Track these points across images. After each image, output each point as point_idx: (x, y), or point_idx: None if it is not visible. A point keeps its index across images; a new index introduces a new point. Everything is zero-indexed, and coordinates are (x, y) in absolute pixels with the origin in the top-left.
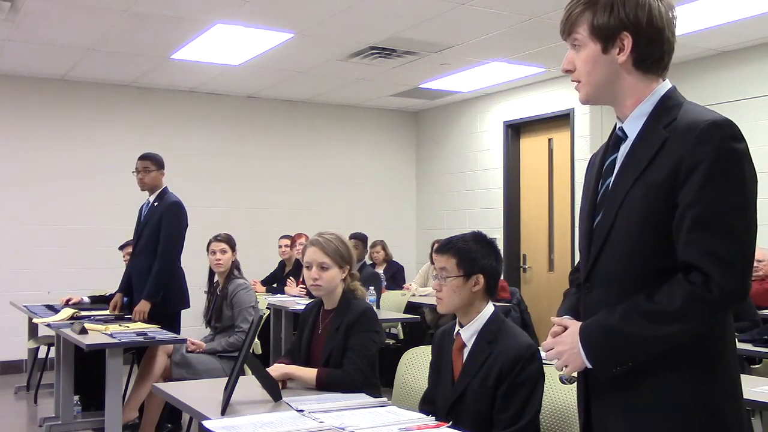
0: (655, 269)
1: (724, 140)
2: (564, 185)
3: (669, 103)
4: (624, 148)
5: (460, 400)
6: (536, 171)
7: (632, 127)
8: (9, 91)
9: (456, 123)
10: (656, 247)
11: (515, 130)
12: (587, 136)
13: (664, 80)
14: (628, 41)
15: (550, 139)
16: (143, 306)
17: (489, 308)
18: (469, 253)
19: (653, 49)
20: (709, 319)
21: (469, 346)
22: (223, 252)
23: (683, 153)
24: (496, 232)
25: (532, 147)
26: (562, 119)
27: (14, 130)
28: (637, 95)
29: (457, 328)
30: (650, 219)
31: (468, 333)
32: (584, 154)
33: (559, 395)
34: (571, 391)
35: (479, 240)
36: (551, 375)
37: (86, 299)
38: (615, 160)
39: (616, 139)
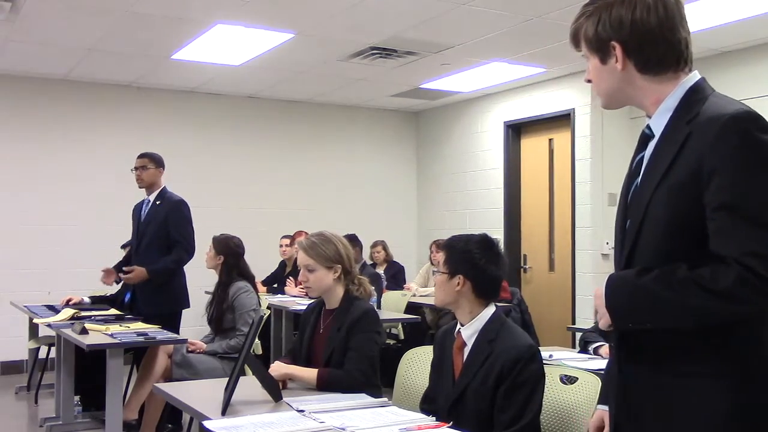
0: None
1: (748, 133)
2: (565, 185)
3: (695, 97)
4: (651, 146)
5: (461, 399)
6: (537, 171)
7: (658, 124)
8: (10, 91)
9: (457, 123)
10: (688, 250)
11: (516, 130)
12: (588, 136)
13: (688, 74)
14: (618, 50)
15: (550, 140)
16: (141, 273)
17: (489, 309)
18: (457, 254)
19: (649, 51)
20: (759, 305)
21: (470, 345)
22: (208, 251)
23: (705, 149)
24: (496, 232)
25: (532, 147)
26: (563, 119)
27: (15, 131)
28: (655, 95)
29: (458, 327)
30: (677, 222)
31: (468, 332)
32: (585, 154)
33: (560, 396)
34: (571, 392)
35: (482, 244)
36: (552, 375)
37: (87, 299)
38: (642, 158)
39: (644, 136)
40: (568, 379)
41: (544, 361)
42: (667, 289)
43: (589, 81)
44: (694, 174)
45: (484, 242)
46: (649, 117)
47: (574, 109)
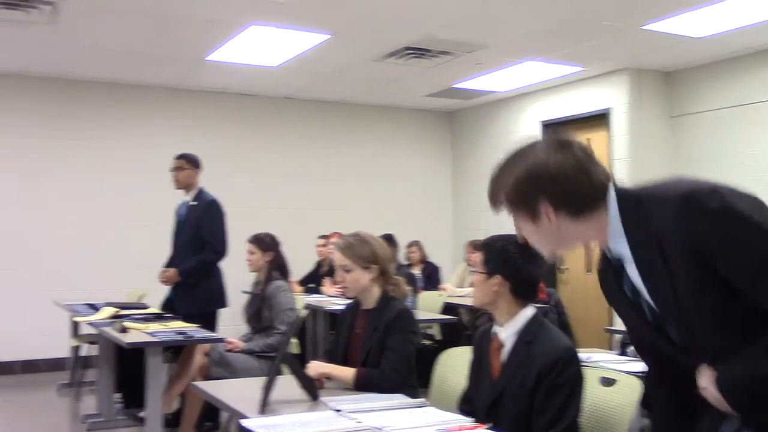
0: (749, 329)
1: (704, 208)
2: None
3: (630, 206)
4: (631, 269)
5: (499, 400)
6: None
7: (619, 248)
8: (49, 93)
9: (492, 123)
10: (743, 318)
11: (552, 130)
12: (626, 136)
13: (606, 197)
14: (546, 206)
15: (587, 139)
16: (174, 275)
17: (528, 310)
18: (495, 254)
19: (577, 197)
20: None
21: (508, 346)
22: (251, 253)
23: (689, 238)
24: None
25: None
26: (600, 119)
27: (55, 133)
28: (596, 229)
29: (495, 328)
30: (719, 308)
31: (505, 333)
32: (622, 153)
33: (599, 398)
34: (611, 394)
35: (519, 244)
36: (591, 378)
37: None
38: (630, 283)
39: (614, 264)
40: (608, 382)
41: (582, 363)
42: None
43: (524, 240)
44: (694, 262)
45: (524, 242)
46: (607, 248)
47: (611, 108)
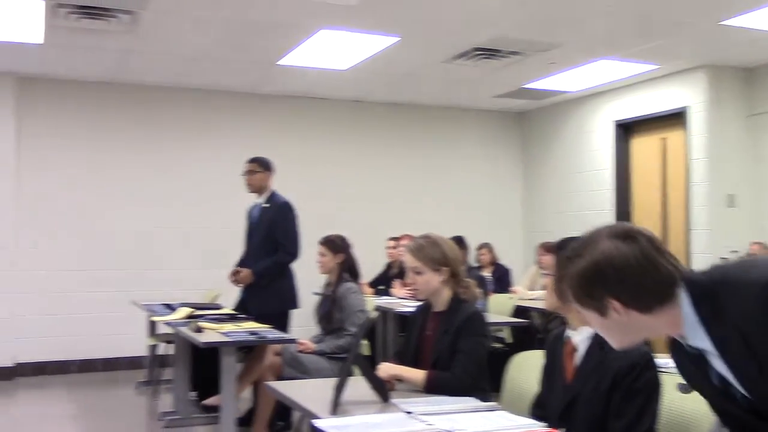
0: None
1: None
2: (678, 186)
3: (707, 299)
4: (716, 362)
5: (573, 405)
6: (649, 172)
7: (698, 339)
8: (129, 99)
9: (564, 123)
10: None
11: (626, 130)
12: (704, 135)
13: (674, 297)
14: (615, 304)
15: (663, 139)
16: (247, 275)
17: None
18: None
19: (646, 294)
20: None
21: (581, 350)
22: (322, 255)
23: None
24: None
25: (644, 147)
26: (676, 118)
27: (134, 137)
28: (669, 322)
29: (568, 331)
30: None
31: (579, 337)
32: (700, 153)
33: (677, 405)
34: (689, 401)
35: None
36: (668, 383)
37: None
38: (721, 376)
39: (693, 355)
40: (685, 389)
41: (659, 369)
42: None
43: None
44: None
45: None
46: (682, 338)
47: (688, 106)
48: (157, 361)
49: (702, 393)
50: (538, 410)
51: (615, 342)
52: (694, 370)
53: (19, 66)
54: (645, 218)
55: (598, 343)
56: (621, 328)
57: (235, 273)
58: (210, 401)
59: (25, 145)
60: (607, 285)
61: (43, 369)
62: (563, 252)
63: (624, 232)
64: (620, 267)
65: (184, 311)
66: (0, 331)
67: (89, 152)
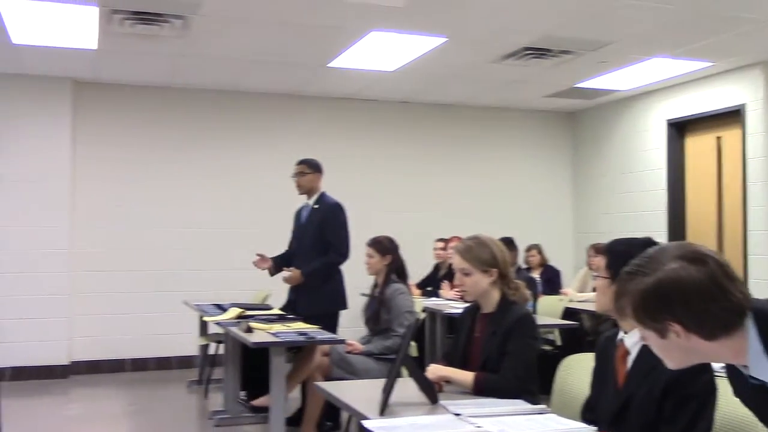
0: None
1: None
2: (734, 186)
3: None
4: None
5: (624, 409)
6: (703, 171)
7: (764, 374)
8: (181, 103)
9: (616, 123)
10: None
11: (680, 129)
12: (761, 133)
13: (740, 327)
14: (677, 328)
15: (718, 138)
16: (297, 276)
17: None
18: (619, 258)
19: (711, 321)
20: None
21: (634, 354)
22: (370, 256)
23: None
24: (659, 236)
25: (698, 146)
26: (732, 116)
27: (187, 140)
28: (733, 350)
29: (620, 334)
30: None
31: (632, 340)
32: (758, 152)
33: (733, 410)
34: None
35: (645, 248)
36: (724, 388)
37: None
38: None
39: (758, 388)
40: None
41: (715, 373)
42: None
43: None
44: None
45: (648, 246)
46: (745, 368)
47: (744, 104)
48: (208, 361)
49: (764, 423)
50: (589, 414)
51: (671, 363)
52: (755, 400)
53: (75, 71)
54: (699, 219)
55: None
56: (679, 350)
57: (261, 260)
58: (259, 402)
59: (80, 149)
60: (671, 308)
61: (98, 367)
62: (626, 268)
63: (693, 254)
64: (687, 291)
65: (235, 311)
66: (56, 330)
67: (142, 155)
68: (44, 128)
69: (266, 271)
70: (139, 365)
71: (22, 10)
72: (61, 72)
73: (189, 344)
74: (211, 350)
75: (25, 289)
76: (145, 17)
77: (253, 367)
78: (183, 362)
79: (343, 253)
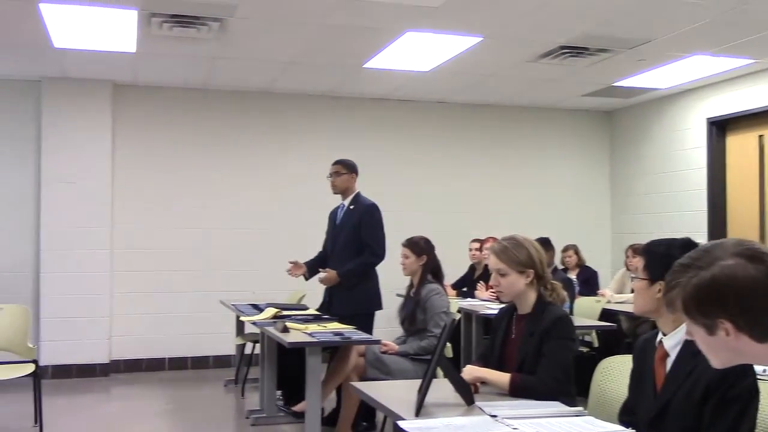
0: None
1: None
2: None
3: None
4: None
5: (663, 413)
6: (745, 170)
7: None
8: (219, 104)
9: (654, 121)
10: None
11: (720, 127)
12: None
13: None
14: (728, 326)
15: (760, 136)
16: (333, 276)
17: None
18: (658, 259)
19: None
20: None
21: (673, 356)
22: (406, 257)
23: None
24: (699, 236)
25: (739, 145)
26: None
27: (223, 141)
28: None
29: (659, 336)
30: None
31: (671, 342)
32: None
33: None
34: None
35: (685, 248)
36: (766, 392)
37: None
38: None
39: None
40: None
41: (757, 377)
42: None
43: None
44: None
45: (688, 246)
46: None
47: None
48: (245, 360)
49: None
50: (627, 417)
51: (715, 361)
52: None
53: (115, 74)
54: (741, 219)
55: (690, 349)
56: (726, 350)
57: (295, 267)
58: (300, 407)
59: (119, 150)
60: (724, 306)
61: (137, 366)
62: (681, 260)
63: (752, 252)
64: (742, 290)
65: (271, 311)
66: (97, 329)
67: (179, 156)
68: (86, 130)
69: (301, 277)
70: (177, 364)
71: (63, 14)
72: (102, 75)
73: (226, 344)
74: (248, 350)
75: (67, 289)
76: (182, 20)
77: (289, 367)
78: (220, 361)
79: (379, 254)
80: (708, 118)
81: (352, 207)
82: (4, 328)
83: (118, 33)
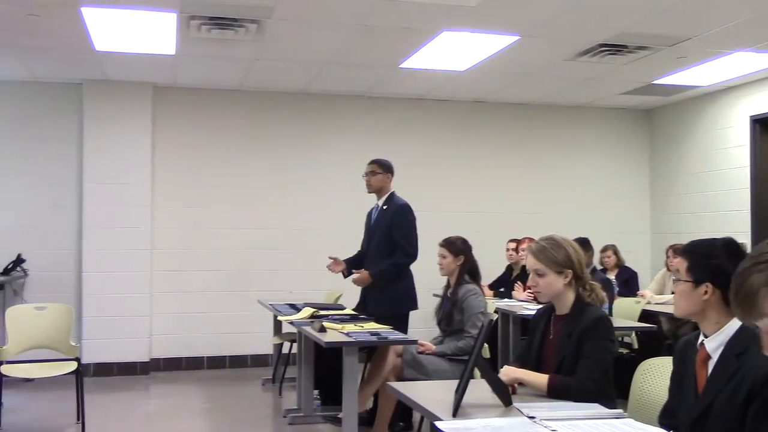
0: None
1: None
2: None
3: None
4: None
5: (705, 415)
6: None
7: None
8: (256, 105)
9: (695, 120)
10: None
11: (764, 125)
12: None
13: None
14: None
15: None
16: (366, 277)
17: (737, 320)
18: (702, 260)
19: None
20: None
21: (715, 358)
22: (443, 257)
23: None
24: (742, 236)
25: None
26: None
27: (260, 142)
28: None
29: (701, 338)
30: None
31: (713, 344)
32: None
33: None
34: None
35: (728, 249)
36: None
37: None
38: None
39: None
40: None
41: None
42: None
43: None
44: None
45: (730, 247)
46: None
47: None
48: (282, 360)
49: None
50: (667, 420)
51: None
52: None
53: (155, 76)
54: None
55: (733, 351)
56: None
57: (334, 263)
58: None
59: (159, 151)
60: None
61: (176, 364)
62: (743, 261)
63: None
64: None
65: (308, 311)
66: (137, 328)
67: (218, 157)
68: (126, 132)
69: (340, 273)
70: (216, 363)
71: (105, 18)
72: (142, 77)
73: (263, 343)
74: (285, 349)
75: (108, 288)
76: (221, 22)
77: (326, 367)
78: (258, 360)
79: (411, 254)
80: (751, 116)
81: (385, 207)
82: (47, 327)
83: (157, 36)
